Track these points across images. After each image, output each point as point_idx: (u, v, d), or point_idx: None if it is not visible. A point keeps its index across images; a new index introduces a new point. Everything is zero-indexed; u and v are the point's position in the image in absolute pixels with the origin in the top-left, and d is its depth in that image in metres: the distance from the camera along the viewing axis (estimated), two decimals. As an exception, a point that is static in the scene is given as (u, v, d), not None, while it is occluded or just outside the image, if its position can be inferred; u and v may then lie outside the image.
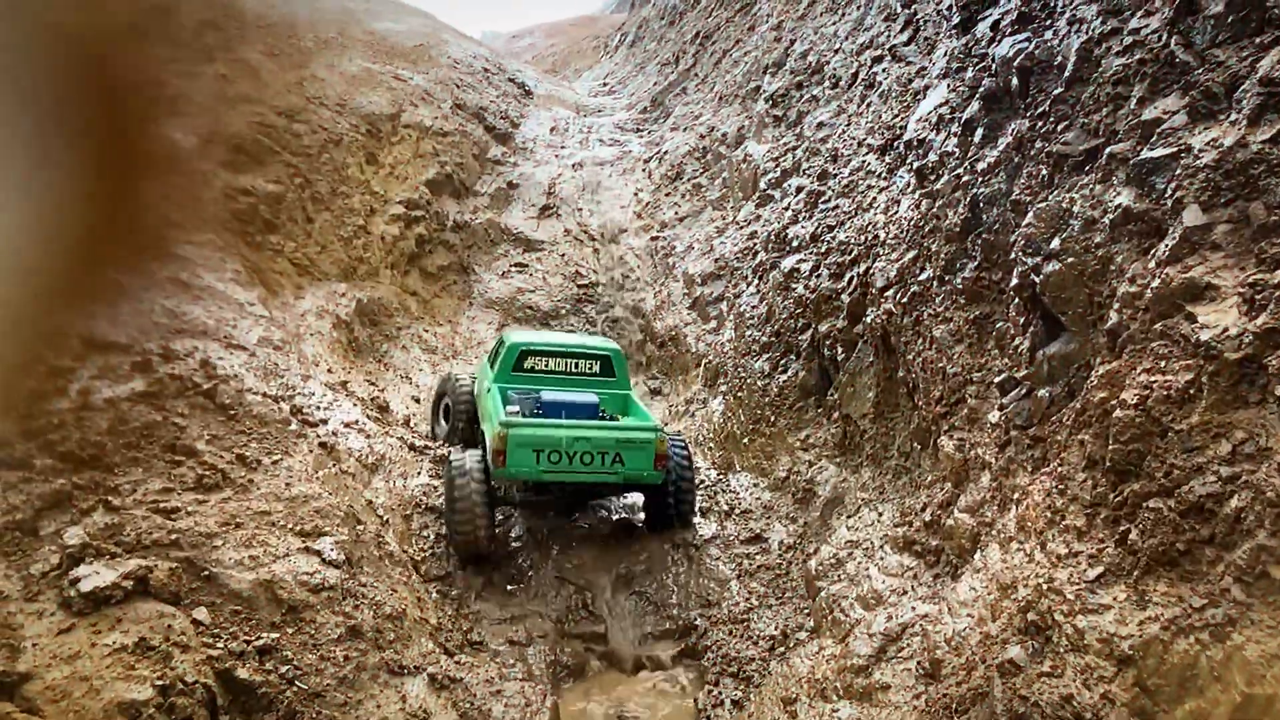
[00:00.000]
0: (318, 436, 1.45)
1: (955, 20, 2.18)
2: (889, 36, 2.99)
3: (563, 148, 3.59)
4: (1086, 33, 1.88)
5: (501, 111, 3.77)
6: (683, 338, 3.33)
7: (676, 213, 3.74)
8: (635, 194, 3.79)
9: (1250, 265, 1.46)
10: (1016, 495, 1.75)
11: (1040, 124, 1.94)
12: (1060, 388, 1.83)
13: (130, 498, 1.11)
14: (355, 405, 1.69)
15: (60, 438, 1.12)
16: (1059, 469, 1.64)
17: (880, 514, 1.93)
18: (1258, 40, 1.59)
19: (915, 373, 1.87)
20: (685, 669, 1.97)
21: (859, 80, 2.91)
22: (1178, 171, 1.58)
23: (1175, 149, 1.61)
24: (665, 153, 4.20)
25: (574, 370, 2.45)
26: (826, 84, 3.07)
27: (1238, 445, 1.46)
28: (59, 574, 1.01)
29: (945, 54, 2.20)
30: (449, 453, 1.96)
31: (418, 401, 2.25)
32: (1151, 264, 1.59)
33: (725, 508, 2.22)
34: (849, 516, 1.98)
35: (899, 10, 2.90)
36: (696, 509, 2.26)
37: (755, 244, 2.96)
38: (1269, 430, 1.49)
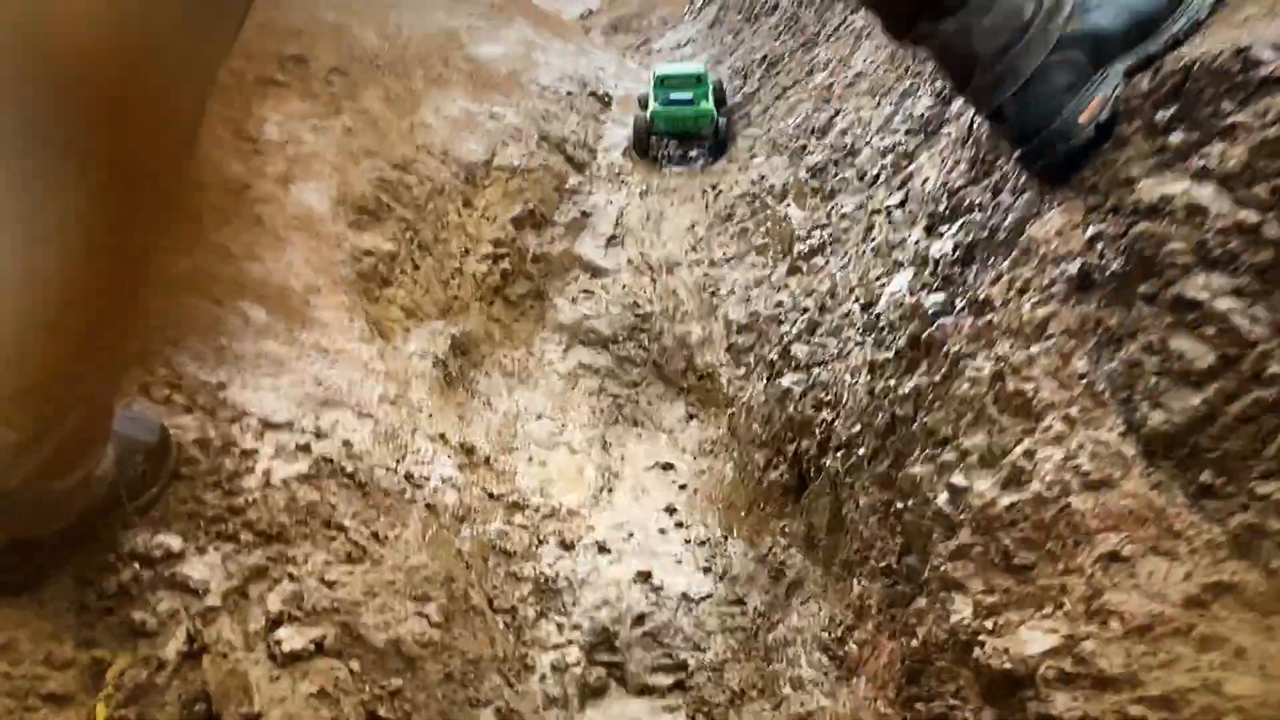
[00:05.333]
0: (423, 497, 1.85)
1: (922, 224, 2.26)
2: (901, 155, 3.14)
3: (629, 174, 3.91)
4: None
5: (581, 140, 4.08)
6: (718, 376, 3.65)
7: (725, 253, 4.00)
8: (691, 226, 4.06)
9: None
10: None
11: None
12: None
13: (304, 569, 1.53)
14: (450, 457, 2.09)
15: (256, 516, 1.54)
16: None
17: (819, 610, 2.23)
18: None
19: (850, 519, 2.11)
20: (675, 697, 2.38)
21: (879, 182, 3.13)
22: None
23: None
24: (721, 191, 4.44)
25: (683, 81, 4.04)
26: (855, 173, 3.28)
27: None
28: (266, 632, 1.44)
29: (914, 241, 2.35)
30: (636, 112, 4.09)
31: (499, 435, 2.65)
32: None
33: (720, 570, 2.57)
34: (801, 603, 2.28)
35: (918, 128, 3.09)
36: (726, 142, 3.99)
37: (781, 314, 3.22)
38: None
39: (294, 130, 2.74)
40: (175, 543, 1.43)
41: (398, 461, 1.85)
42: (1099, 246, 1.00)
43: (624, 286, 3.66)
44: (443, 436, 2.15)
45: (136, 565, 1.38)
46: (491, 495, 2.18)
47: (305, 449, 1.69)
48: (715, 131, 4.16)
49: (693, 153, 4.20)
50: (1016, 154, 1.16)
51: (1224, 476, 0.79)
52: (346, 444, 1.76)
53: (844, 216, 3.00)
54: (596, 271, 3.65)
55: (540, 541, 2.25)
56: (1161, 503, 0.81)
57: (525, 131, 3.53)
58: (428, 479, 1.86)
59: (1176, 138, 0.98)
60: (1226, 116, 0.93)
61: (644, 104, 4.29)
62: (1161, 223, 0.91)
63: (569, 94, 4.09)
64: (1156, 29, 1.05)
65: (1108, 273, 0.97)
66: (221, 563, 1.45)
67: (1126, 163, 1.03)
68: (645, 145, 4.20)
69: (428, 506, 1.78)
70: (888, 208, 2.50)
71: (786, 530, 2.48)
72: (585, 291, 3.60)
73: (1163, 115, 1.00)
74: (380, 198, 2.62)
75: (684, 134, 4.23)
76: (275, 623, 1.38)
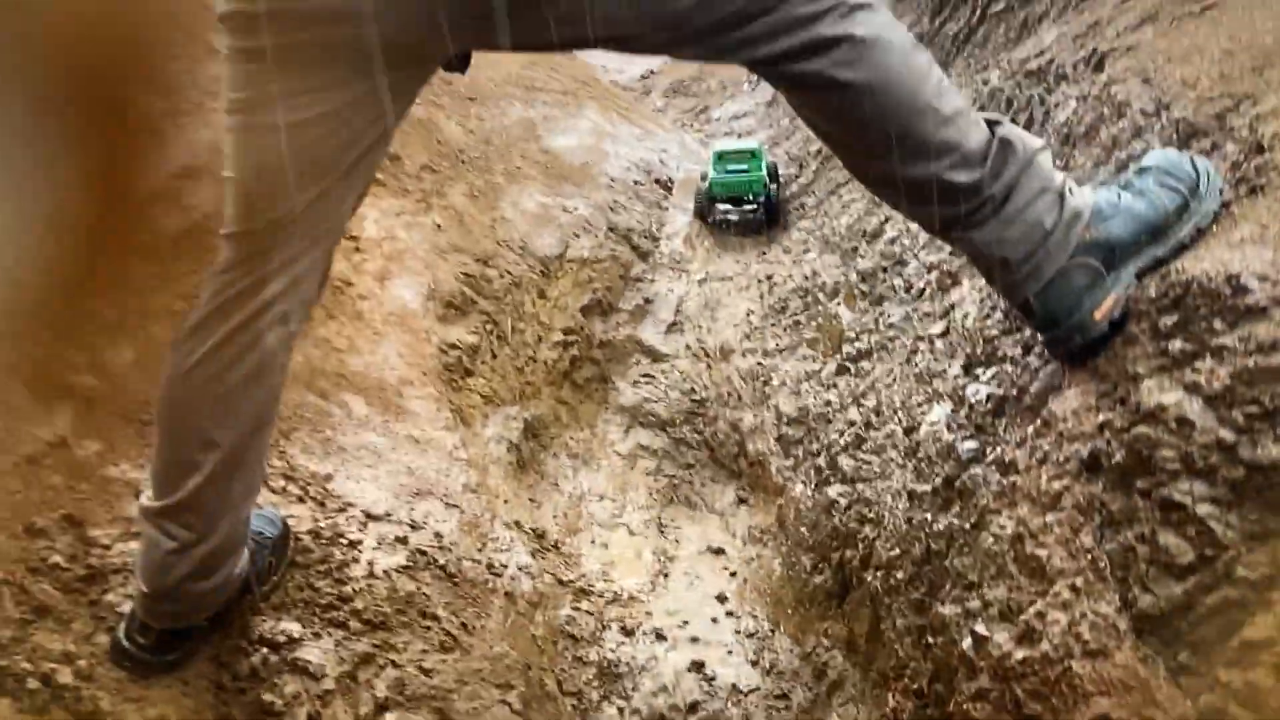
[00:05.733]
0: (503, 585, 2.02)
1: (960, 361, 2.28)
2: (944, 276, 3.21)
3: (690, 262, 4.10)
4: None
5: (645, 229, 4.28)
6: (768, 464, 3.77)
7: (777, 344, 4.14)
8: (747, 314, 4.23)
9: None
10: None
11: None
12: None
13: (404, 656, 1.71)
14: (524, 544, 2.27)
15: (363, 605, 1.73)
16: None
17: (857, 715, 2.34)
18: None
19: (887, 634, 2.20)
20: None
21: (924, 297, 3.27)
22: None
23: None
24: (776, 283, 4.61)
25: (739, 156, 4.23)
26: (902, 283, 3.42)
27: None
28: (374, 716, 1.62)
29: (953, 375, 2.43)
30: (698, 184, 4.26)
31: (566, 516, 2.82)
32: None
33: (767, 665, 2.69)
34: (841, 705, 2.39)
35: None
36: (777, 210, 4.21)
37: (829, 413, 3.38)
38: None
39: (390, 227, 2.99)
40: (295, 629, 1.63)
41: (480, 550, 2.04)
42: (1106, 435, 1.16)
43: (682, 372, 3.82)
44: (518, 523, 2.33)
45: (264, 650, 1.58)
46: (561, 581, 2.35)
47: (403, 541, 1.89)
48: (767, 198, 4.43)
49: (745, 215, 4.45)
50: (1041, 339, 1.33)
51: (1198, 658, 0.95)
52: (438, 535, 1.95)
53: (890, 325, 3.15)
54: (657, 356, 3.83)
55: (604, 627, 2.41)
56: (1146, 675, 0.97)
57: (595, 223, 3.74)
58: (505, 567, 2.04)
59: (1175, 345, 1.14)
60: (1217, 336, 1.09)
61: (704, 178, 4.55)
62: (1157, 429, 1.08)
63: (635, 183, 4.30)
64: (1164, 235, 1.20)
65: (1113, 461, 1.13)
66: (334, 648, 1.64)
67: (1134, 360, 1.19)
68: (706, 211, 4.46)
69: (507, 595, 1.96)
70: (930, 335, 2.65)
71: (829, 632, 2.60)
72: (645, 376, 3.77)
73: (1165, 322, 1.17)
74: (465, 291, 2.84)
75: (738, 199, 4.52)
76: (382, 707, 1.56)
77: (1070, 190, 1.14)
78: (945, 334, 2.36)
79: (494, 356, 2.83)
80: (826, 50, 1.01)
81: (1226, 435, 0.99)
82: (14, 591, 1.50)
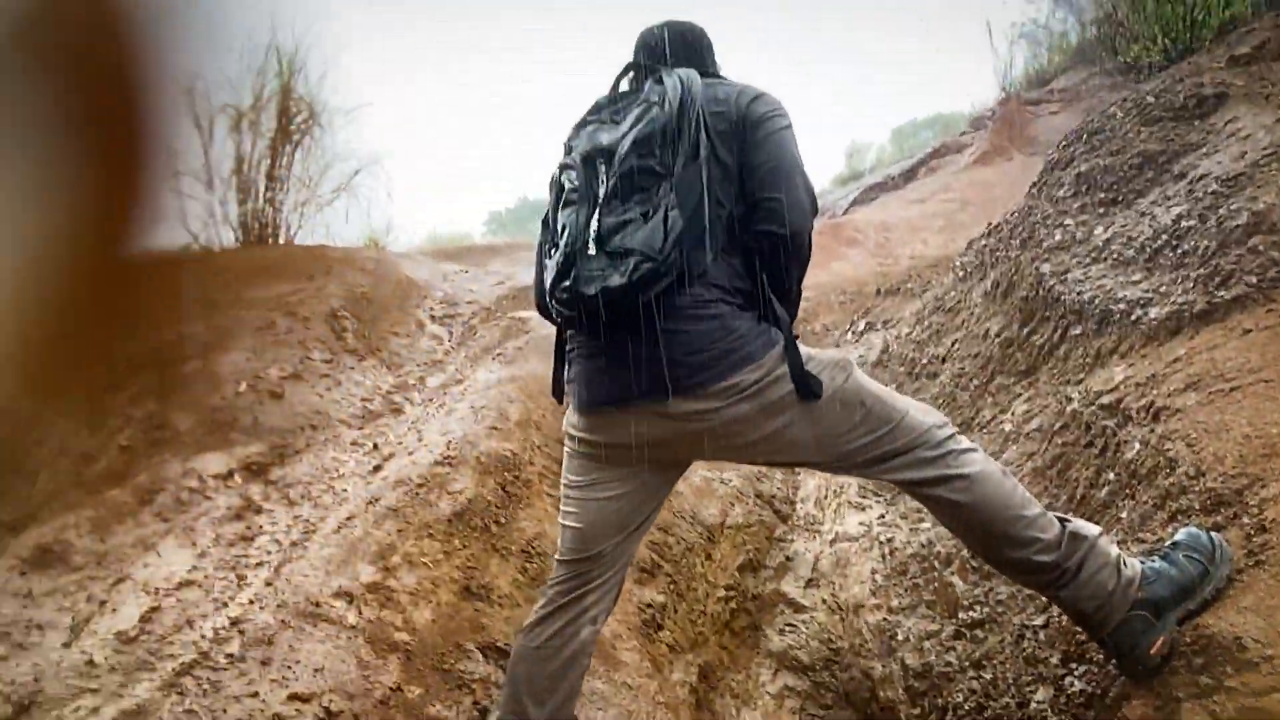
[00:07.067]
0: None
1: (1059, 653, 2.69)
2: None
3: (821, 523, 4.69)
4: None
5: (784, 495, 4.90)
6: (897, 712, 4.13)
7: (900, 603, 4.54)
8: (872, 573, 4.70)
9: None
10: None
11: None
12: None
13: None
14: None
15: None
16: None
17: None
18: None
19: None
20: None
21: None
22: None
23: None
24: (896, 547, 5.07)
25: None
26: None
27: None
28: None
29: (1055, 663, 2.72)
30: None
31: None
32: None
33: None
34: None
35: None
36: None
37: (950, 672, 3.78)
38: None
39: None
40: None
41: (687, 784, 2.59)
42: (1160, 742, 1.71)
43: (819, 623, 4.29)
44: (708, 760, 2.86)
45: None
46: (745, 807, 2.84)
47: (641, 772, 2.46)
48: None
49: None
50: (1114, 663, 1.90)
51: None
52: (661, 772, 2.52)
53: (999, 602, 3.60)
54: (798, 608, 4.33)
55: None
56: None
57: (745, 492, 4.37)
58: (704, 795, 2.56)
59: (1203, 680, 1.66)
60: (1228, 678, 1.64)
61: None
62: (1192, 746, 1.62)
63: (773, 452, 4.96)
64: (1193, 594, 1.69)
65: (1165, 761, 1.67)
66: None
67: (1176, 686, 1.73)
68: None
69: (714, 825, 2.48)
70: (1035, 626, 3.12)
71: None
72: (789, 625, 4.25)
73: (1196, 662, 1.72)
74: (653, 558, 3.46)
75: None
76: None
77: (1124, 563, 1.47)
78: (1046, 626, 2.82)
79: (676, 611, 3.41)
80: (947, 482, 1.42)
81: (1236, 749, 1.54)
82: (407, 802, 2.09)
